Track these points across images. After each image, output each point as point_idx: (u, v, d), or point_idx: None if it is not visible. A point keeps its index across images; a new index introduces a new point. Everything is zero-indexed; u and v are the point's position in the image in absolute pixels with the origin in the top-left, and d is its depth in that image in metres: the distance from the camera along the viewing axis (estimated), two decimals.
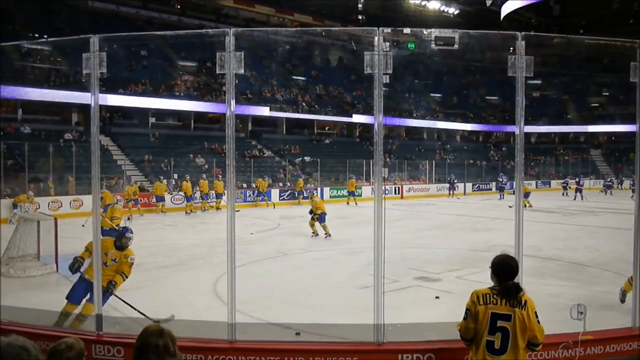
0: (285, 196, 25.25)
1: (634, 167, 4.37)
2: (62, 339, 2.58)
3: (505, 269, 3.34)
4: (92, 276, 5.03)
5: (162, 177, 21.67)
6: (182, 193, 21.20)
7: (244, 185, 24.87)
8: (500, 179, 29.73)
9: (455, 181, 30.73)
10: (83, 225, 14.73)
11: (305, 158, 30.96)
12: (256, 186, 24.12)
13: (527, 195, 20.20)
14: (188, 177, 21.46)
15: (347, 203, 24.86)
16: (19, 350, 1.82)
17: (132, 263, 5.92)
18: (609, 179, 33.43)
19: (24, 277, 8.78)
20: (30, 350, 1.84)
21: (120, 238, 6.00)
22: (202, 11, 38.03)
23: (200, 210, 21.01)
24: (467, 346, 3.39)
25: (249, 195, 24.00)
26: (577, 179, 29.63)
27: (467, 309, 3.33)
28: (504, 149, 42.42)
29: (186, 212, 20.07)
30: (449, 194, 29.93)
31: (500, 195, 28.23)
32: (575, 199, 27.21)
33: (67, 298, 5.73)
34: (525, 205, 17.41)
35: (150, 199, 20.74)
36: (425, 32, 4.24)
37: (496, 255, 3.43)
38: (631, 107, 4.30)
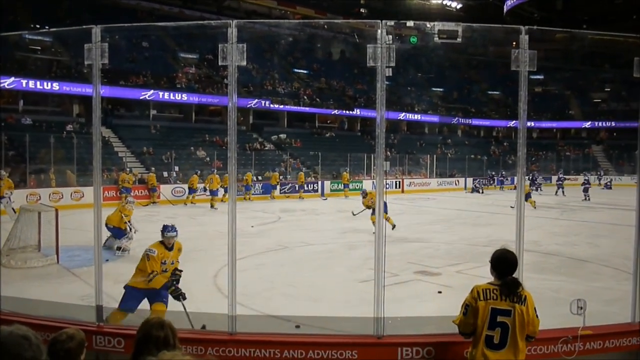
0: (286, 189, 25.22)
1: (635, 163, 4.37)
2: (62, 330, 2.59)
3: (504, 263, 3.35)
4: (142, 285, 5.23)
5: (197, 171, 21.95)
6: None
7: (255, 178, 24.83)
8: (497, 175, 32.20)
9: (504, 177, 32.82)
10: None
11: (281, 135, 30.88)
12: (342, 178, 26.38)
13: (528, 196, 19.26)
14: (214, 171, 21.11)
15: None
16: (20, 339, 1.82)
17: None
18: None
19: (24, 268, 8.81)
20: (32, 339, 1.84)
21: (165, 240, 5.63)
22: (203, 3, 37.90)
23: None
24: (466, 339, 3.40)
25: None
26: (532, 175, 29.64)
27: (467, 305, 3.33)
28: (505, 143, 42.34)
29: (211, 206, 19.34)
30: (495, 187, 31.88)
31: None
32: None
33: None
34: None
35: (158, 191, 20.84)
36: (428, 26, 4.21)
37: (496, 250, 3.44)
38: (633, 102, 4.29)
